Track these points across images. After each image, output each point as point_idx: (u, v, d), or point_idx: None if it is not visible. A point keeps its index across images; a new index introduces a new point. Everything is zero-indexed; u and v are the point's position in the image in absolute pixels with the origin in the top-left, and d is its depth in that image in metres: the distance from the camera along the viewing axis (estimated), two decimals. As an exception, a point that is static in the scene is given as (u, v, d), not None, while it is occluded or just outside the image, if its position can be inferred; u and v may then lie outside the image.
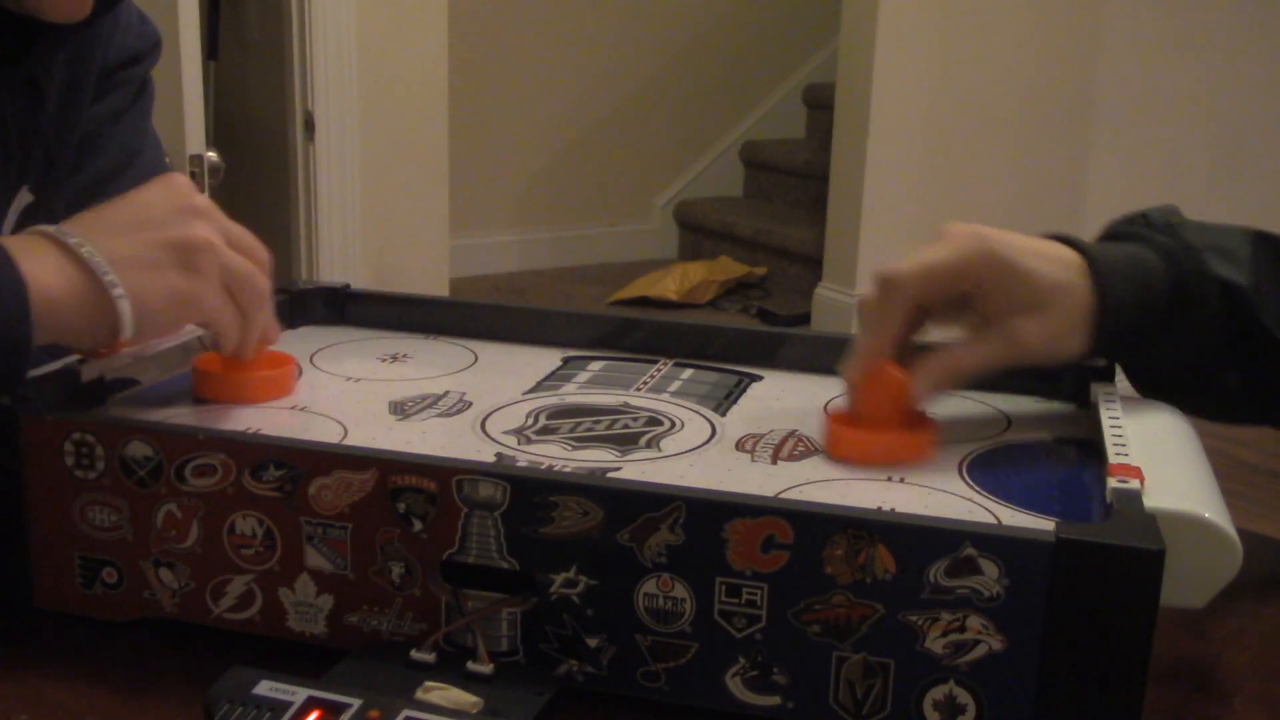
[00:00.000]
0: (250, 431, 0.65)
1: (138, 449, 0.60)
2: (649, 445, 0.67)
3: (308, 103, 2.66)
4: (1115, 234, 0.73)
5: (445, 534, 0.56)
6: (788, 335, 0.82)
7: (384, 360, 0.81)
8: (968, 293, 0.67)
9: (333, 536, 0.58)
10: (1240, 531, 0.57)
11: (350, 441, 0.65)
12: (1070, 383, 0.75)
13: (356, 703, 0.50)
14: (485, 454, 0.65)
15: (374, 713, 0.50)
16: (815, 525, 0.52)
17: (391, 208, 2.83)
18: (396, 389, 0.74)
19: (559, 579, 0.55)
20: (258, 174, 2.91)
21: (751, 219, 4.11)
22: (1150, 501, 0.54)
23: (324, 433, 0.67)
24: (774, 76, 4.46)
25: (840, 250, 3.35)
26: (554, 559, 0.55)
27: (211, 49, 2.95)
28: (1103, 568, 0.50)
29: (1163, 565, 0.49)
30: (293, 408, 0.71)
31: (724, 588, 0.54)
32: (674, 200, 4.40)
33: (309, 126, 2.67)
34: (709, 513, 0.53)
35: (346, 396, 0.73)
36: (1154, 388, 0.72)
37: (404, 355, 0.82)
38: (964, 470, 0.64)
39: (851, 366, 0.68)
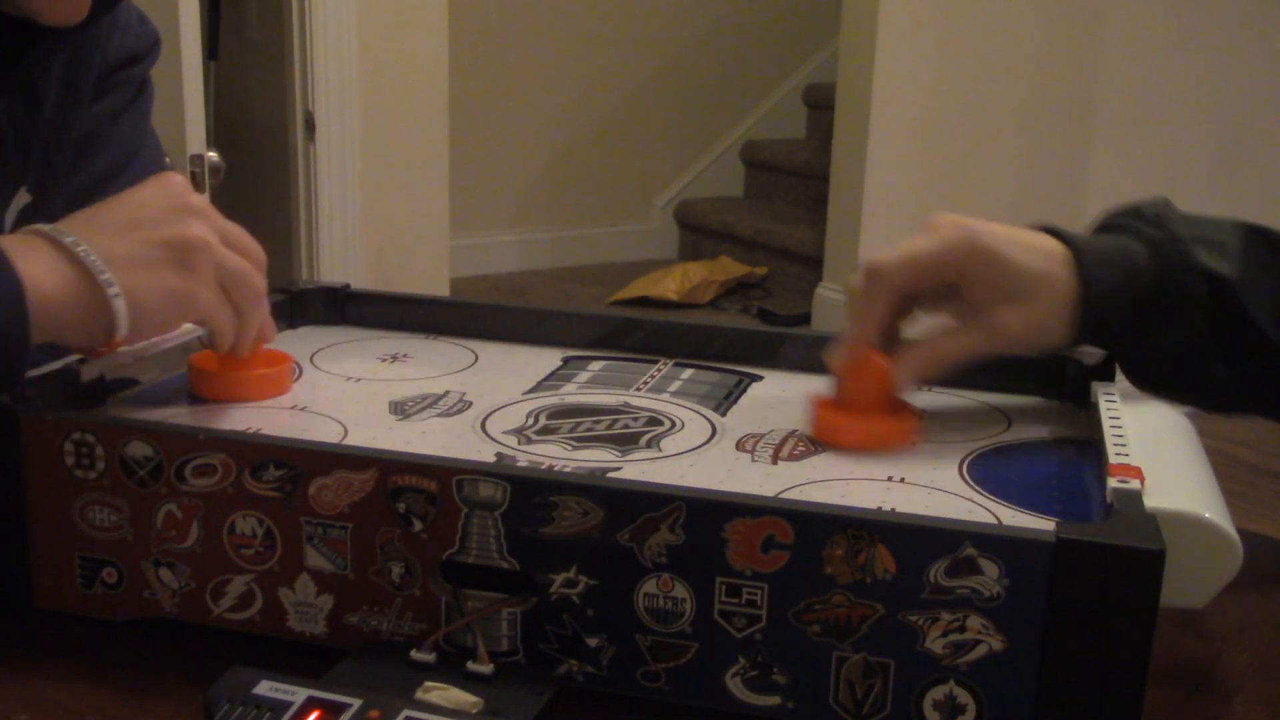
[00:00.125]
0: (250, 431, 0.65)
1: (138, 449, 0.60)
2: (649, 445, 0.67)
3: (308, 103, 2.66)
4: (1106, 226, 0.73)
5: (445, 534, 0.56)
6: (788, 335, 0.82)
7: (384, 360, 0.81)
8: (954, 282, 0.68)
9: (333, 536, 0.58)
10: (1240, 531, 0.57)
11: (350, 441, 0.65)
12: (1070, 382, 0.75)
13: (356, 703, 0.50)
14: (485, 454, 0.65)
15: (374, 713, 0.50)
16: (815, 525, 0.52)
17: (391, 208, 2.83)
18: (396, 389, 0.74)
19: (559, 579, 0.55)
20: (258, 174, 2.91)
21: (752, 219, 4.11)
22: (1150, 501, 0.54)
23: (324, 433, 0.67)
24: (774, 76, 4.46)
25: (840, 250, 3.35)
26: (554, 559, 0.55)
27: (211, 49, 2.95)
28: (1103, 568, 0.50)
29: (1163, 565, 0.49)
30: (293, 407, 0.71)
31: (724, 588, 0.54)
32: (674, 200, 4.40)
33: (309, 126, 2.67)
34: (709, 513, 0.53)
35: (346, 396, 0.73)
36: (1143, 378, 0.73)
37: (404, 355, 0.82)
38: (964, 470, 0.64)
39: (837, 354, 0.70)
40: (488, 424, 0.69)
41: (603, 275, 4.10)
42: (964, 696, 0.52)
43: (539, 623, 0.56)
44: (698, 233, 4.31)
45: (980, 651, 0.52)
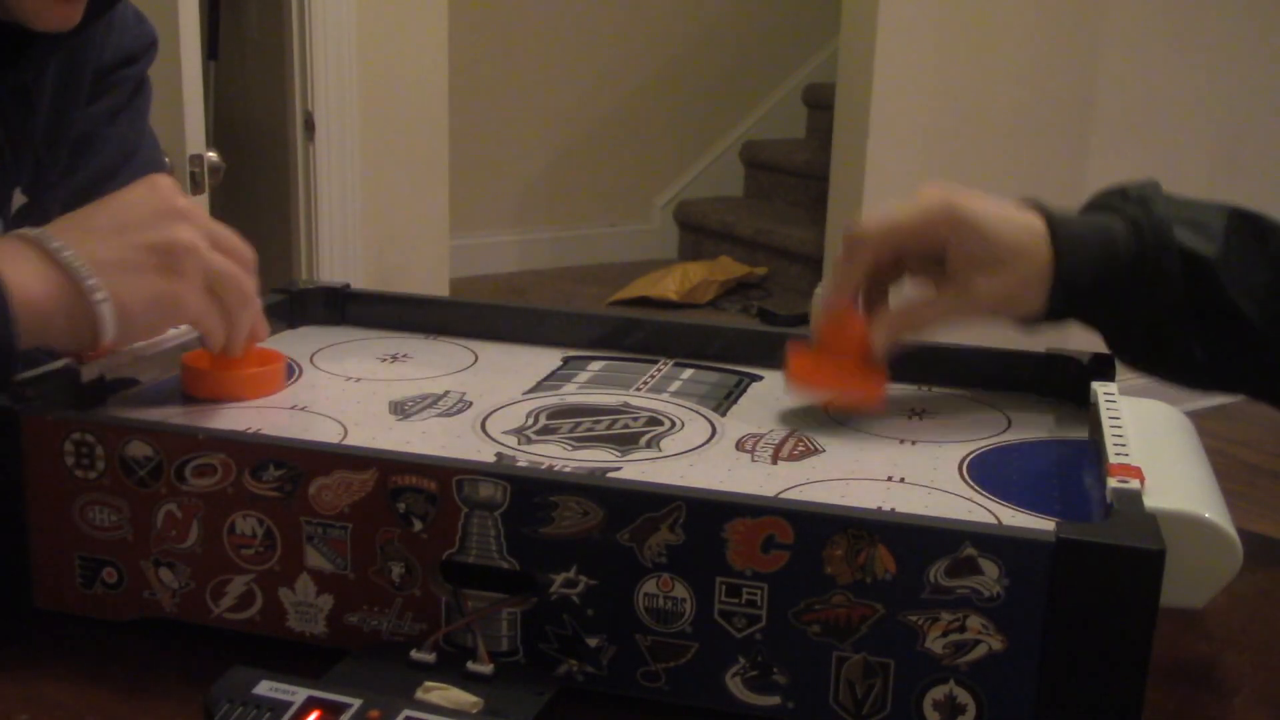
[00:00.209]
0: (250, 431, 0.65)
1: (138, 449, 0.60)
2: (649, 445, 0.67)
3: (308, 103, 2.66)
4: (1093, 205, 0.75)
5: (445, 534, 0.56)
6: (788, 335, 0.82)
7: (384, 360, 0.81)
8: (939, 249, 0.71)
9: (333, 536, 0.58)
10: (1240, 531, 0.57)
11: (350, 441, 0.65)
12: (1070, 383, 0.75)
13: (356, 703, 0.50)
14: (485, 454, 0.65)
15: (374, 713, 0.50)
16: (815, 525, 0.52)
17: (391, 208, 2.83)
18: (396, 389, 0.74)
19: (559, 579, 0.55)
20: (258, 174, 2.91)
21: (752, 219, 4.11)
22: (1150, 501, 0.54)
23: (324, 433, 0.67)
24: (774, 76, 4.46)
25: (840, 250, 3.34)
26: (554, 559, 0.55)
27: (211, 49, 2.95)
28: (1103, 568, 0.50)
29: (1163, 565, 0.49)
30: (293, 407, 0.71)
31: (724, 588, 0.54)
32: (674, 200, 4.40)
33: (309, 126, 2.66)
34: (709, 513, 0.53)
35: (346, 396, 0.73)
36: (1123, 353, 0.75)
37: (404, 355, 0.82)
38: (964, 470, 0.64)
39: (817, 313, 0.73)
40: (488, 424, 0.69)
41: (603, 275, 4.10)
42: (964, 696, 0.52)
43: (539, 623, 0.56)
44: (698, 233, 4.31)
45: (980, 651, 0.52)
